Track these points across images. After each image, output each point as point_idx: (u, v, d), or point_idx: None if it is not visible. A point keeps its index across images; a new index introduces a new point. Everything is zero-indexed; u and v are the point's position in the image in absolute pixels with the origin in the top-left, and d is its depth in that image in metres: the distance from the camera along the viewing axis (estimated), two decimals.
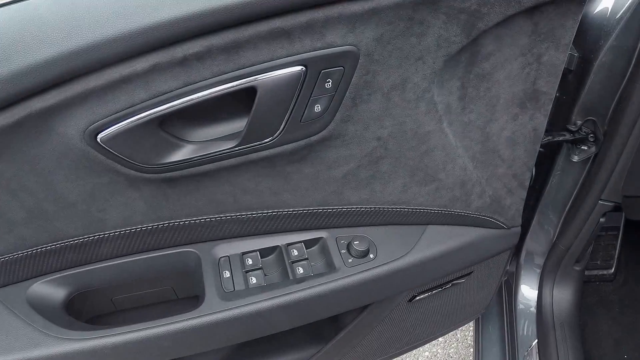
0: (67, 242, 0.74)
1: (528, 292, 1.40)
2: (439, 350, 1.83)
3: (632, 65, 1.02)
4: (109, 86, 0.60)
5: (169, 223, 0.76)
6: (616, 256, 1.69)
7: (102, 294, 0.82)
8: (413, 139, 0.77)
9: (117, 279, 0.79)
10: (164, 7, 0.57)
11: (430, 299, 0.99)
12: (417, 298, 0.95)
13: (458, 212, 0.88)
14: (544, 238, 1.35)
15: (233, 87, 0.63)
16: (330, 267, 0.80)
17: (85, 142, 0.63)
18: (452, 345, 1.82)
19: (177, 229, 0.77)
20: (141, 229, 0.76)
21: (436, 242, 0.87)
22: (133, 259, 0.79)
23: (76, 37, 0.56)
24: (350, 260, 0.81)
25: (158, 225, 0.76)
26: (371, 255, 0.82)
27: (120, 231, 0.75)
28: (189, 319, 0.74)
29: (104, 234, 0.75)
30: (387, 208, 0.83)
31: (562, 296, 1.40)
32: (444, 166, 0.82)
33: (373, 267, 0.81)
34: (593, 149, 1.17)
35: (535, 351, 1.33)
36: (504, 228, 0.97)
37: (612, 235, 1.66)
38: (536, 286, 1.40)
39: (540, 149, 1.25)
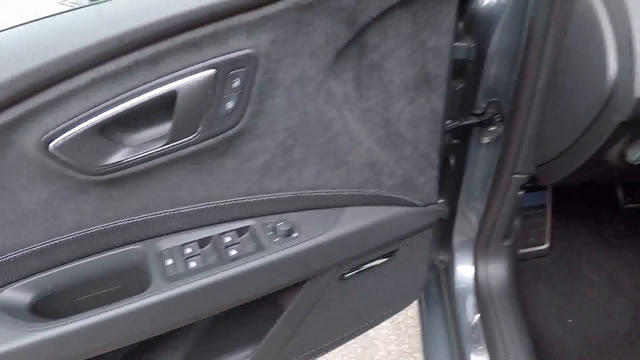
0: (29, 249, 0.84)
1: (464, 271, 1.54)
2: (392, 348, 1.97)
3: (521, 47, 1.18)
4: (57, 100, 0.73)
5: (115, 224, 0.87)
6: (549, 232, 1.85)
7: (63, 297, 0.91)
8: (318, 127, 0.91)
9: (73, 282, 0.89)
10: (95, 31, 0.72)
11: (361, 276, 1.11)
12: (347, 275, 1.07)
13: (371, 192, 1.01)
14: (473, 219, 1.50)
15: (157, 93, 0.76)
16: (260, 247, 0.92)
17: (40, 151, 0.75)
18: (405, 342, 1.97)
19: (124, 228, 0.88)
20: (92, 232, 0.87)
21: (355, 220, 1.00)
22: (86, 260, 0.89)
23: (28, 61, 0.70)
24: (276, 240, 0.93)
25: (106, 226, 0.87)
26: (295, 234, 0.94)
27: (74, 235, 0.86)
28: (138, 300, 0.85)
29: (60, 239, 0.85)
30: (305, 193, 0.96)
31: (498, 271, 1.54)
32: (350, 150, 0.95)
33: (297, 244, 0.94)
34: (500, 128, 1.32)
35: (478, 326, 1.46)
36: (420, 206, 1.10)
37: (539, 213, 1.82)
38: (471, 265, 1.53)
39: (455, 141, 1.40)
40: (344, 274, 1.07)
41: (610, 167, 1.19)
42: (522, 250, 1.81)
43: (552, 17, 1.11)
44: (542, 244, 1.86)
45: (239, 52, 0.79)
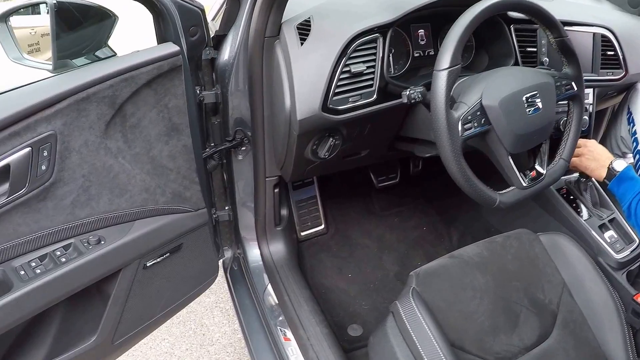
0: None
1: (253, 255, 2.03)
2: (226, 329, 2.45)
3: (248, 90, 1.69)
4: None
5: None
6: (322, 216, 2.40)
7: None
8: (103, 171, 1.33)
9: None
10: None
11: (159, 265, 1.53)
12: (149, 264, 1.49)
13: (151, 207, 1.46)
14: (250, 215, 2.00)
15: None
16: (80, 254, 1.31)
17: None
18: (235, 323, 2.45)
19: None
20: None
21: (142, 227, 1.43)
22: None
23: None
24: (90, 247, 1.33)
25: None
26: (102, 242, 1.35)
27: None
28: (7, 297, 1.16)
29: None
30: (105, 215, 1.37)
31: (277, 249, 2.04)
32: (129, 182, 1.39)
33: (104, 247, 1.34)
34: (248, 147, 1.83)
35: (270, 289, 1.94)
36: (192, 211, 1.57)
37: (312, 203, 2.38)
38: (257, 249, 2.03)
39: (224, 161, 1.89)
40: (146, 264, 1.49)
41: (314, 162, 1.74)
42: (304, 233, 2.38)
43: (263, 68, 1.64)
44: (320, 226, 2.44)
45: (44, 134, 1.15)
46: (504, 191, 1.46)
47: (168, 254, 1.56)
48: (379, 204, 2.68)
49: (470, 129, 1.36)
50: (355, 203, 2.64)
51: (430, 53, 1.85)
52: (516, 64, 1.84)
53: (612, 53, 2.08)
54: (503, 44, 1.84)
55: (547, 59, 1.89)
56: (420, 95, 1.44)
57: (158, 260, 1.54)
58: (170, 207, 1.52)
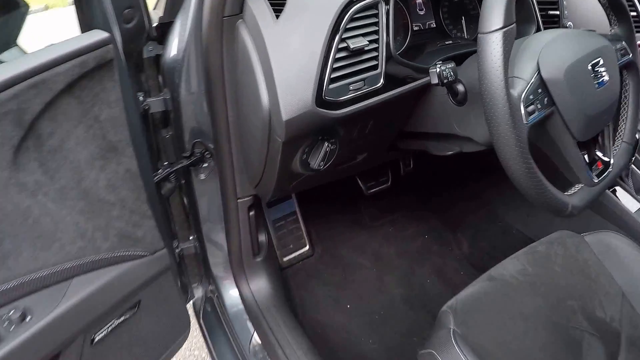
0: None
1: (231, 295, 1.68)
2: None
3: (206, 90, 1.35)
4: None
5: None
6: (305, 235, 2.06)
7: None
8: (19, 217, 1.00)
9: None
10: None
11: (113, 336, 1.21)
12: (97, 338, 1.17)
13: (91, 258, 1.12)
14: (220, 247, 1.65)
15: None
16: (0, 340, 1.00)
17: None
18: None
19: None
20: None
21: (82, 289, 1.10)
22: None
23: None
24: (12, 328, 1.00)
25: None
26: (28, 318, 1.02)
27: None
28: None
29: None
30: (29, 277, 1.04)
31: (260, 286, 1.69)
32: (56, 227, 1.06)
33: (32, 325, 1.02)
34: (212, 163, 1.48)
35: (256, 339, 1.60)
36: (146, 256, 1.23)
37: (292, 221, 2.03)
38: (235, 288, 1.68)
39: (183, 182, 1.55)
40: (93, 339, 1.16)
41: (302, 175, 1.40)
42: (286, 258, 2.02)
43: (223, 58, 1.30)
44: (304, 247, 2.08)
45: None
46: (571, 192, 1.17)
47: (122, 318, 1.23)
48: (368, 213, 2.36)
49: (533, 112, 1.04)
50: (342, 215, 2.31)
51: (432, 26, 1.55)
52: (538, 30, 1.56)
53: (635, 14, 1.82)
54: (521, 8, 1.54)
55: (571, 23, 1.62)
56: (452, 73, 1.10)
57: (110, 329, 1.20)
58: (117, 254, 1.18)
